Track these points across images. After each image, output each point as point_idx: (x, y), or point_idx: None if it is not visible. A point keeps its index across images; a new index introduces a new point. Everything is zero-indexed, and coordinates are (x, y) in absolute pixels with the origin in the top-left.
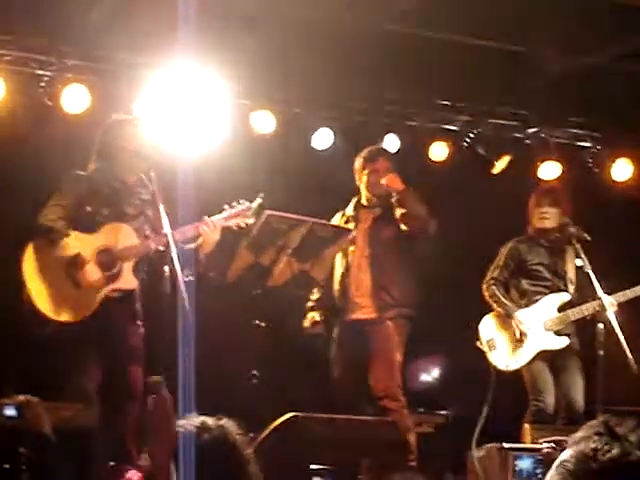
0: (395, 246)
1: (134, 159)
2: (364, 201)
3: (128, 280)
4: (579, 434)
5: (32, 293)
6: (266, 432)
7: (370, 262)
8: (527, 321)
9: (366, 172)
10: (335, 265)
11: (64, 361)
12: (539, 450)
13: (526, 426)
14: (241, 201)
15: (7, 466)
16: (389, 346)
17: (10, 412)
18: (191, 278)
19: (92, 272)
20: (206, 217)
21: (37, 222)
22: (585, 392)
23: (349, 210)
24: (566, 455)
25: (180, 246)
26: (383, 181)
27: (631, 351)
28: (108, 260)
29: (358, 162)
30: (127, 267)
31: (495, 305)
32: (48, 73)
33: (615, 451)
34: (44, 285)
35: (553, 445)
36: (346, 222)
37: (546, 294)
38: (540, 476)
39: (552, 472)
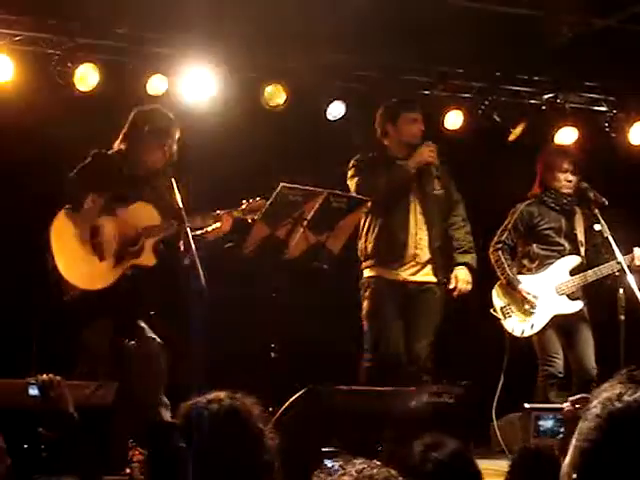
0: (438, 204)
1: (159, 150)
2: (397, 153)
3: (148, 258)
4: (603, 386)
5: (57, 260)
6: (285, 405)
7: (426, 219)
8: (535, 288)
9: (401, 121)
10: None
11: (81, 334)
12: (560, 410)
13: (551, 393)
14: (259, 197)
15: (26, 446)
16: (439, 313)
17: (34, 392)
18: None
19: (113, 246)
20: (220, 212)
21: (63, 191)
22: (607, 357)
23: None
24: (592, 404)
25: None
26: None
27: None
28: (132, 236)
29: (388, 112)
30: (148, 245)
31: (498, 272)
32: (59, 52)
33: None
34: (69, 254)
35: (576, 405)
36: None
37: (558, 258)
38: (562, 435)
39: (581, 422)
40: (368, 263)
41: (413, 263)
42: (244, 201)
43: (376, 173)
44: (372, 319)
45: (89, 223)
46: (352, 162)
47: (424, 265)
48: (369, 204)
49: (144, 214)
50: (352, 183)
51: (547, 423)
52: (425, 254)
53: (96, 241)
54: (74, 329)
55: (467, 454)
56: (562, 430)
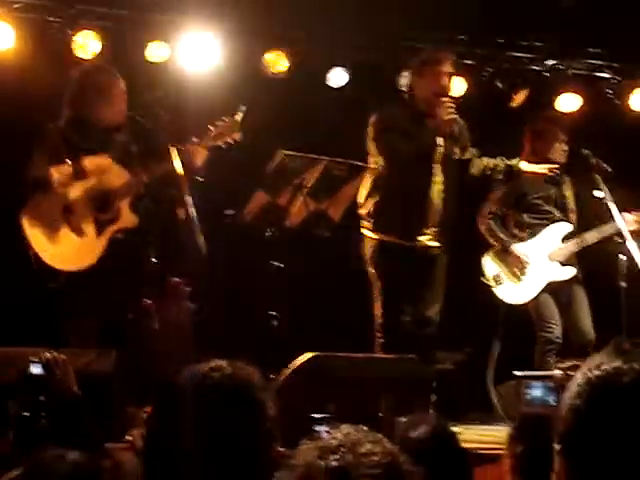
0: (455, 169)
1: (107, 107)
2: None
3: (127, 219)
4: (592, 358)
5: (37, 249)
6: (286, 372)
7: (445, 186)
8: (528, 254)
9: (426, 73)
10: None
11: (77, 310)
12: (551, 377)
13: (549, 361)
14: (224, 118)
15: (27, 414)
16: (444, 278)
17: (37, 370)
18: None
19: (89, 217)
20: (193, 138)
21: (27, 176)
22: (608, 325)
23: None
24: (572, 390)
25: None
26: None
27: None
28: (104, 203)
29: (414, 65)
30: (124, 205)
31: (491, 240)
32: (59, 20)
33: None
34: (47, 239)
35: (567, 372)
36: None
37: (548, 226)
38: (553, 403)
39: (563, 412)
40: (380, 228)
41: (430, 231)
42: (210, 127)
43: (399, 136)
44: (386, 285)
45: (58, 203)
46: (372, 121)
47: (437, 229)
48: (372, 169)
49: (111, 175)
50: (372, 145)
51: (536, 391)
52: (438, 219)
53: (70, 219)
54: (65, 313)
55: (448, 432)
56: (551, 398)
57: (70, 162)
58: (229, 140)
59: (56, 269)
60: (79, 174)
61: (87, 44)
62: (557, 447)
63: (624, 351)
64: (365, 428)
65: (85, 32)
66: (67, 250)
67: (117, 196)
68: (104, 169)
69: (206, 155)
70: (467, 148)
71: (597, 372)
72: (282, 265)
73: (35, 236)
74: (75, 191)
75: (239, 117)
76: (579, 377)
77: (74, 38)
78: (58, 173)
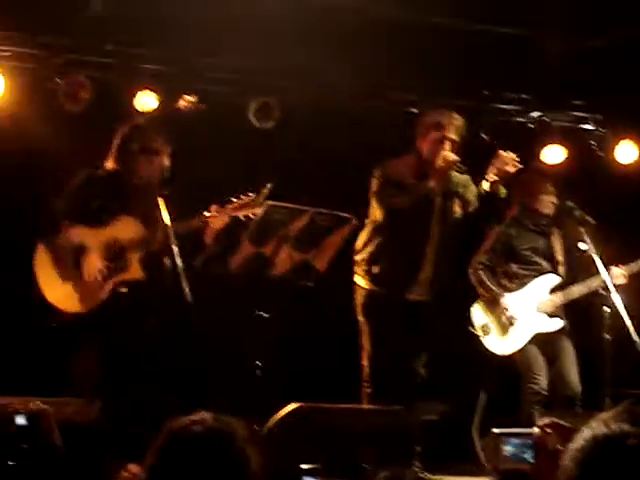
0: (456, 227)
1: (150, 167)
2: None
3: (136, 271)
4: (597, 419)
5: (42, 285)
6: (270, 423)
7: (442, 246)
8: (516, 305)
9: (431, 138)
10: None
11: (70, 353)
12: (529, 435)
13: (534, 413)
14: (248, 193)
15: (12, 463)
16: (432, 330)
17: (21, 421)
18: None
19: (96, 263)
20: (214, 206)
21: (45, 215)
22: (592, 376)
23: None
24: (578, 442)
25: (184, 234)
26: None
27: (637, 333)
28: (116, 252)
29: (419, 122)
30: (135, 258)
31: (482, 290)
32: (50, 68)
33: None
34: (54, 277)
35: (546, 430)
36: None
37: (536, 277)
38: (530, 460)
39: (566, 462)
40: (372, 278)
41: (422, 286)
42: (233, 199)
43: (397, 190)
44: (374, 335)
45: (71, 244)
46: (375, 174)
47: (428, 286)
48: (354, 221)
49: (129, 227)
50: (373, 198)
51: (514, 448)
52: (430, 276)
53: (81, 260)
54: (63, 352)
55: None
56: (526, 455)
57: (97, 206)
58: (250, 214)
59: (56, 309)
60: (100, 221)
61: (76, 93)
62: None
63: (634, 414)
64: None
65: (74, 81)
66: (70, 290)
67: (130, 248)
68: (124, 220)
69: (225, 223)
70: (473, 202)
71: (604, 430)
72: (267, 315)
73: (43, 274)
74: (90, 236)
75: (264, 194)
76: (586, 431)
77: (63, 87)
78: (76, 216)
